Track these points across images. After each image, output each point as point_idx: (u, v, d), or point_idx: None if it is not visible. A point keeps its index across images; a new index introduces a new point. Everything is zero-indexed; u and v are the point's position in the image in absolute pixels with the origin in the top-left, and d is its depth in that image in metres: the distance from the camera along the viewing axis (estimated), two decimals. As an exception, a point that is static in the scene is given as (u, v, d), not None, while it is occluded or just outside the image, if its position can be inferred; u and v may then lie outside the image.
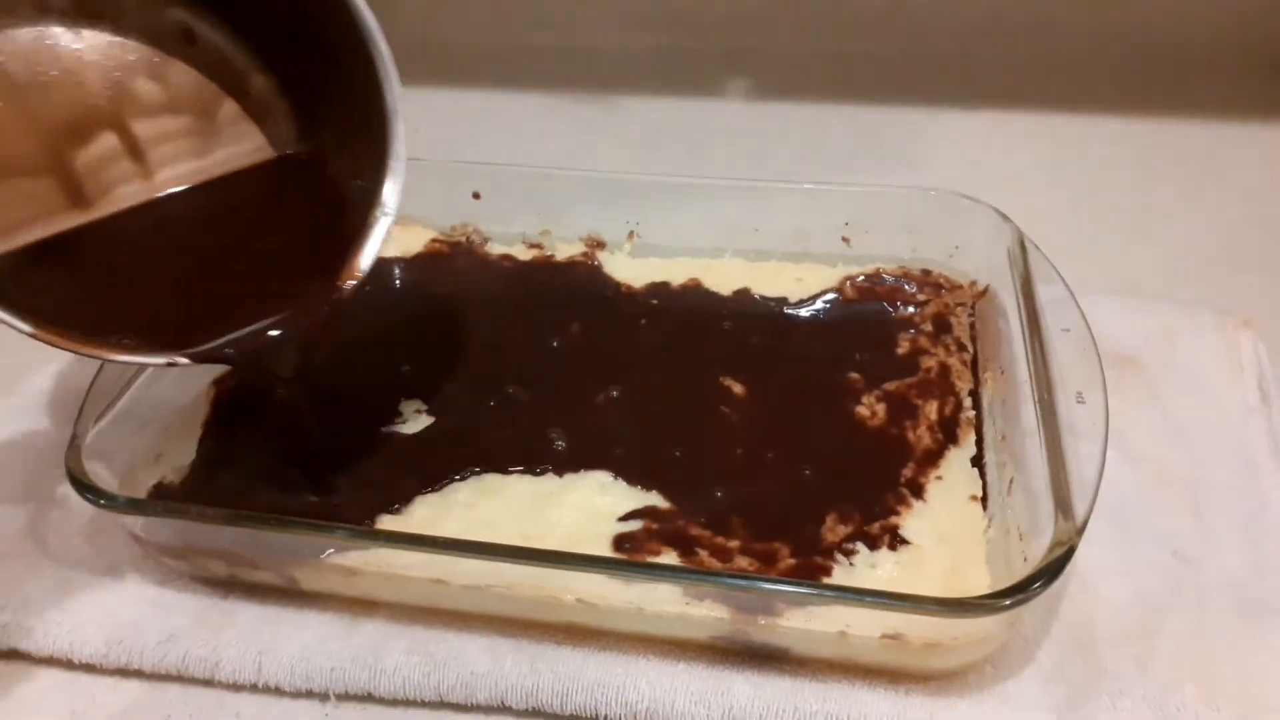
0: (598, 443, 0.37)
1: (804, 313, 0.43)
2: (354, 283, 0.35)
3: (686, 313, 0.43)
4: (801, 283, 0.44)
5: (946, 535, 0.33)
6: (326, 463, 0.37)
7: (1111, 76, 0.63)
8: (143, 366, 0.36)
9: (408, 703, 0.31)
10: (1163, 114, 0.59)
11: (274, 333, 0.34)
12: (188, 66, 0.38)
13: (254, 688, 0.32)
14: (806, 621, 0.29)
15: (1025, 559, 0.30)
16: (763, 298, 0.43)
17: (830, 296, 0.43)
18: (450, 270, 0.46)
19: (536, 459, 0.36)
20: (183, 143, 0.38)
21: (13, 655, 0.33)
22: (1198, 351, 0.41)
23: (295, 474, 0.36)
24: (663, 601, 0.30)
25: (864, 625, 0.29)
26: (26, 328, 0.31)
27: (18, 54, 0.34)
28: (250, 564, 0.33)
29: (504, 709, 0.31)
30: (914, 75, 0.64)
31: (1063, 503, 0.29)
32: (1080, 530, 0.28)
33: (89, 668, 0.32)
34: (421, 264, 0.46)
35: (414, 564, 0.31)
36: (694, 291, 0.44)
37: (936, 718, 0.29)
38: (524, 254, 0.46)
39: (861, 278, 0.43)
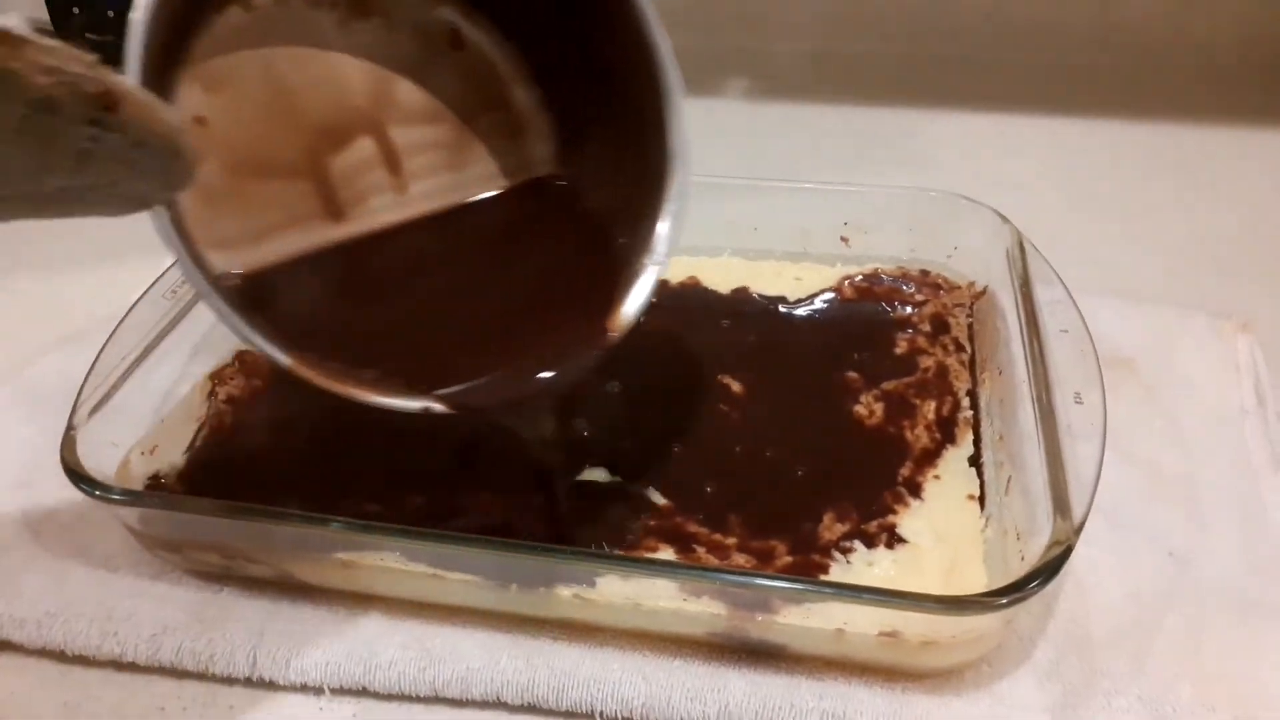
0: (596, 438, 0.37)
1: (802, 312, 0.43)
2: (618, 334, 0.32)
3: (684, 311, 0.43)
4: (800, 282, 0.44)
5: (944, 534, 0.33)
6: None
7: (1111, 79, 0.63)
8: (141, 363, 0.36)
9: (402, 697, 0.31)
10: (1162, 118, 0.60)
11: (539, 383, 0.32)
12: (452, 72, 0.35)
13: (248, 681, 0.32)
14: (803, 619, 0.29)
15: (1023, 558, 0.30)
16: (761, 296, 0.43)
17: (829, 296, 0.43)
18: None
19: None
20: (438, 154, 0.35)
21: (5, 646, 0.32)
22: (1195, 354, 0.41)
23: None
24: (659, 598, 0.30)
25: (861, 623, 0.29)
26: (286, 360, 0.29)
27: (285, 47, 0.32)
28: (246, 557, 0.33)
29: (499, 704, 0.31)
30: (914, 76, 0.64)
31: (1060, 502, 0.29)
32: (1078, 530, 0.28)
33: (82, 660, 0.32)
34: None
35: (411, 558, 0.31)
36: (692, 289, 0.44)
37: (932, 716, 0.29)
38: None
39: (860, 277, 0.44)
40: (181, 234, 0.28)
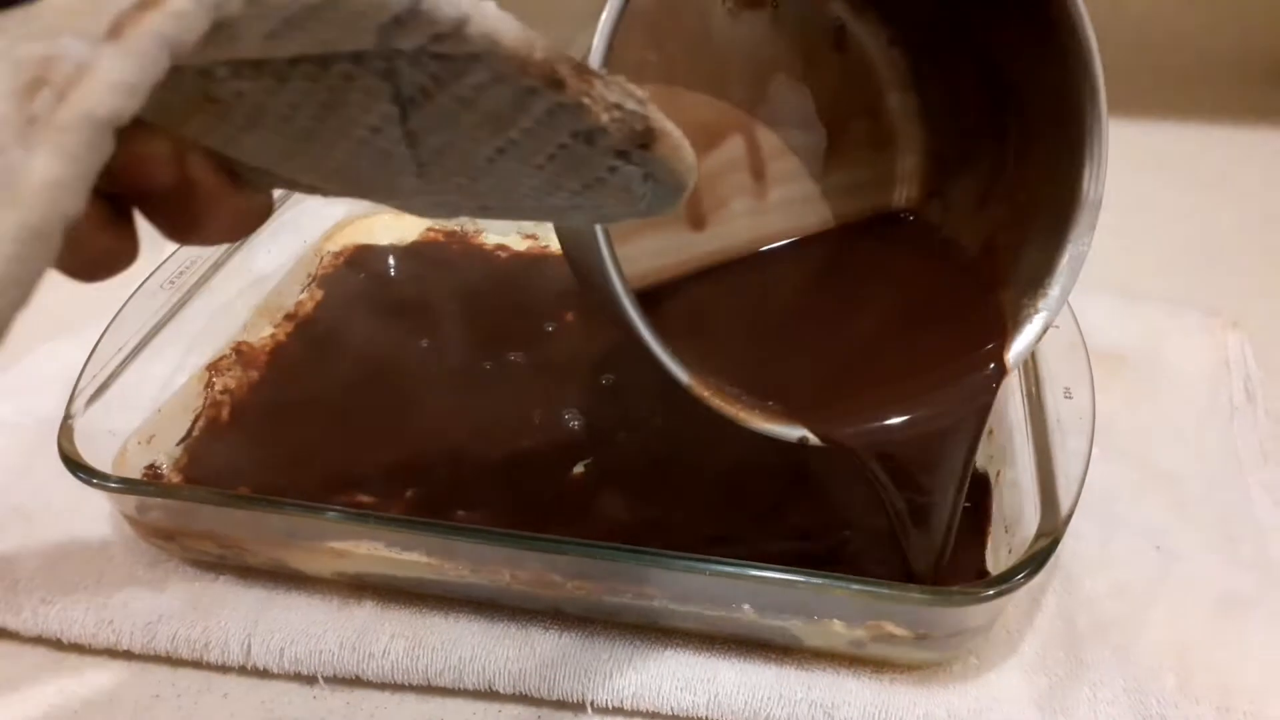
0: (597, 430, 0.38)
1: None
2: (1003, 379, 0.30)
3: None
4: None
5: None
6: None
7: (1111, 75, 0.63)
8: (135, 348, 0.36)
9: (396, 686, 0.32)
10: (1156, 116, 0.60)
11: (929, 429, 0.30)
12: (830, 74, 0.33)
13: (242, 669, 0.32)
14: (786, 610, 0.30)
15: (1010, 551, 0.31)
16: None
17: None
18: (445, 260, 0.47)
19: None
20: (802, 161, 0.34)
21: (2, 634, 0.33)
22: (1186, 351, 0.42)
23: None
24: (650, 590, 0.31)
25: (848, 614, 0.30)
26: (684, 378, 0.28)
27: (679, 29, 0.31)
28: (241, 546, 0.33)
29: (491, 693, 0.31)
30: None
31: (1048, 496, 0.30)
32: (1065, 523, 0.29)
33: (77, 647, 0.33)
34: (417, 253, 0.47)
35: (404, 548, 0.32)
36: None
37: (920, 707, 0.30)
38: (519, 244, 0.47)
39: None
40: (609, 243, 0.27)
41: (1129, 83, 0.63)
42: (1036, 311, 0.31)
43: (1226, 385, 0.40)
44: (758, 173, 0.33)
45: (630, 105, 0.19)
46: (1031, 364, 0.34)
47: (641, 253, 0.32)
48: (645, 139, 0.20)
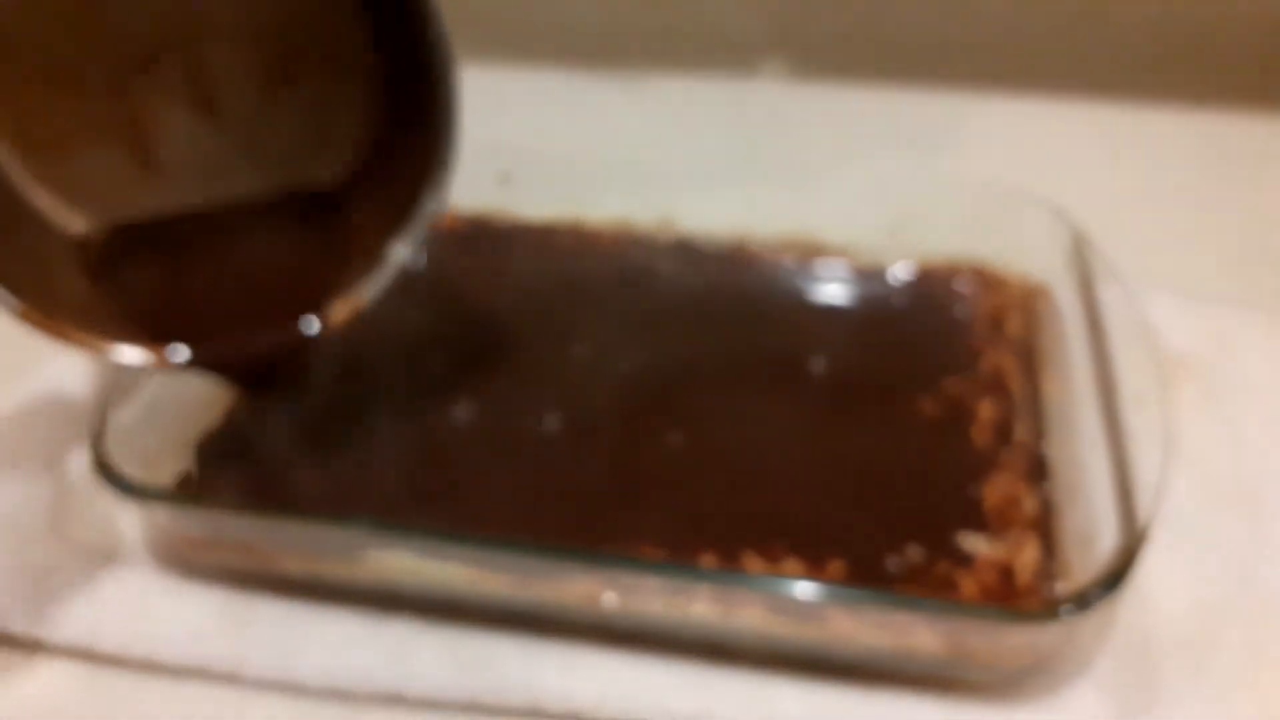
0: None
1: (848, 310, 0.44)
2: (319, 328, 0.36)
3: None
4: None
5: (1001, 541, 0.34)
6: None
7: (1173, 63, 0.64)
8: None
9: (437, 704, 0.32)
10: (1227, 105, 0.60)
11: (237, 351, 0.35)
12: None
13: (278, 685, 0.33)
14: (856, 629, 0.31)
15: (1085, 568, 0.32)
16: (807, 292, 0.45)
17: (876, 292, 0.45)
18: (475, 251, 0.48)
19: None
20: (248, 90, 0.37)
21: (36, 647, 0.34)
22: (1261, 356, 0.42)
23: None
24: (703, 605, 0.31)
25: (917, 633, 0.30)
26: (14, 302, 0.31)
27: None
28: (276, 557, 0.34)
29: (538, 713, 0.32)
30: (964, 57, 0.65)
31: (1125, 509, 0.30)
32: (1143, 537, 0.29)
33: (111, 660, 0.33)
34: (447, 243, 0.48)
35: (444, 559, 0.33)
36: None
37: (990, 728, 0.31)
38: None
39: (910, 273, 0.45)
40: None
41: (1196, 70, 0.63)
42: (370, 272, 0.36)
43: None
44: (203, 98, 0.36)
45: None
46: (1103, 370, 0.35)
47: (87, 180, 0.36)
48: None
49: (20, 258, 0.33)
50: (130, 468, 0.33)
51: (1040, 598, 0.32)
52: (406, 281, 0.37)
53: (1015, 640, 0.30)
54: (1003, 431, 0.38)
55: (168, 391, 0.37)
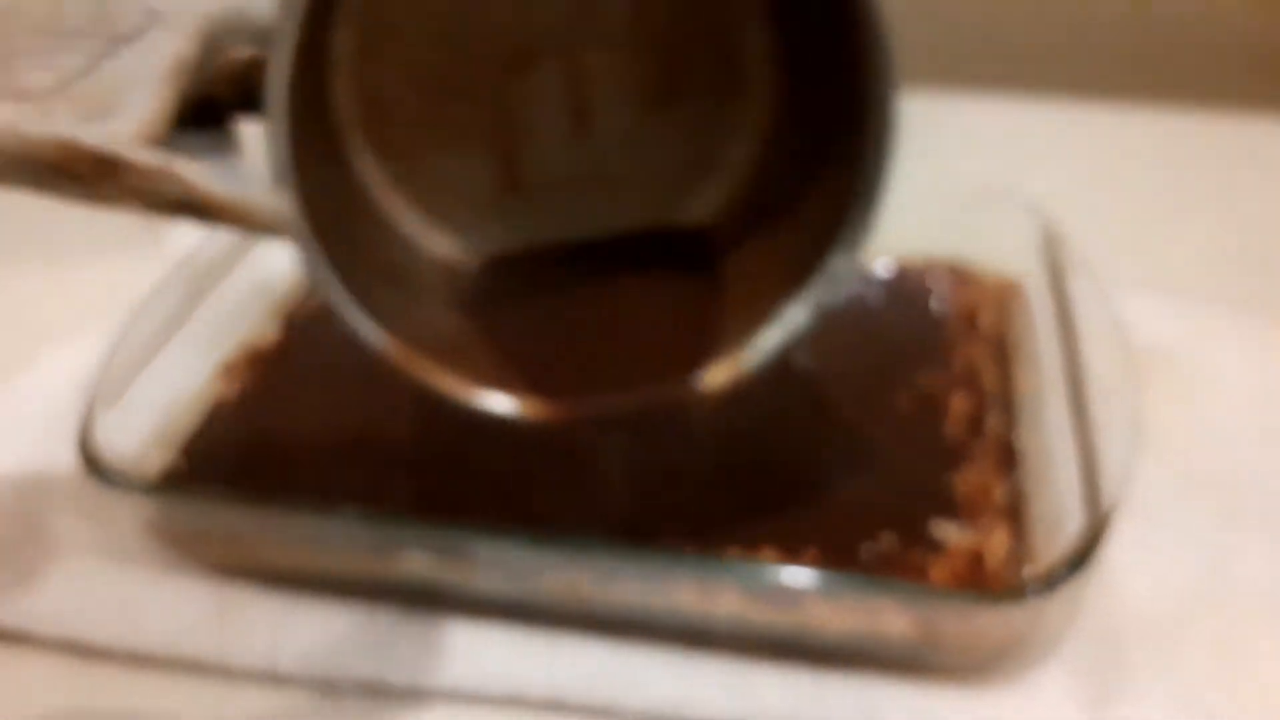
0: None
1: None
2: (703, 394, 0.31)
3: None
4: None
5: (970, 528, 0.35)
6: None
7: (1152, 64, 0.65)
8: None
9: (421, 694, 0.33)
10: (1206, 106, 0.61)
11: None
12: None
13: (267, 676, 0.33)
14: (830, 614, 0.31)
15: (1051, 552, 0.32)
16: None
17: (853, 289, 0.45)
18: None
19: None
20: (628, 105, 0.33)
21: (23, 639, 0.34)
22: (1232, 350, 0.43)
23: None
24: (684, 592, 0.32)
25: (890, 618, 0.31)
26: (380, 337, 0.29)
27: None
28: (264, 549, 0.35)
29: (519, 702, 0.32)
30: (941, 59, 0.65)
31: (1090, 494, 0.31)
32: (1107, 521, 0.30)
33: (99, 653, 0.34)
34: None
35: (431, 550, 0.33)
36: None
37: (961, 710, 0.31)
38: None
39: (886, 271, 0.46)
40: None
41: (1175, 70, 0.64)
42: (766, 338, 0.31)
43: (1276, 385, 0.41)
44: (580, 111, 0.32)
45: (168, 190, 0.22)
46: (1073, 362, 0.36)
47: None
48: (194, 211, 0.22)
49: (382, 284, 0.30)
50: (118, 462, 0.34)
51: (1009, 581, 0.33)
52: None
53: (984, 623, 0.31)
54: (975, 423, 0.39)
55: (155, 388, 0.38)
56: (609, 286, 0.34)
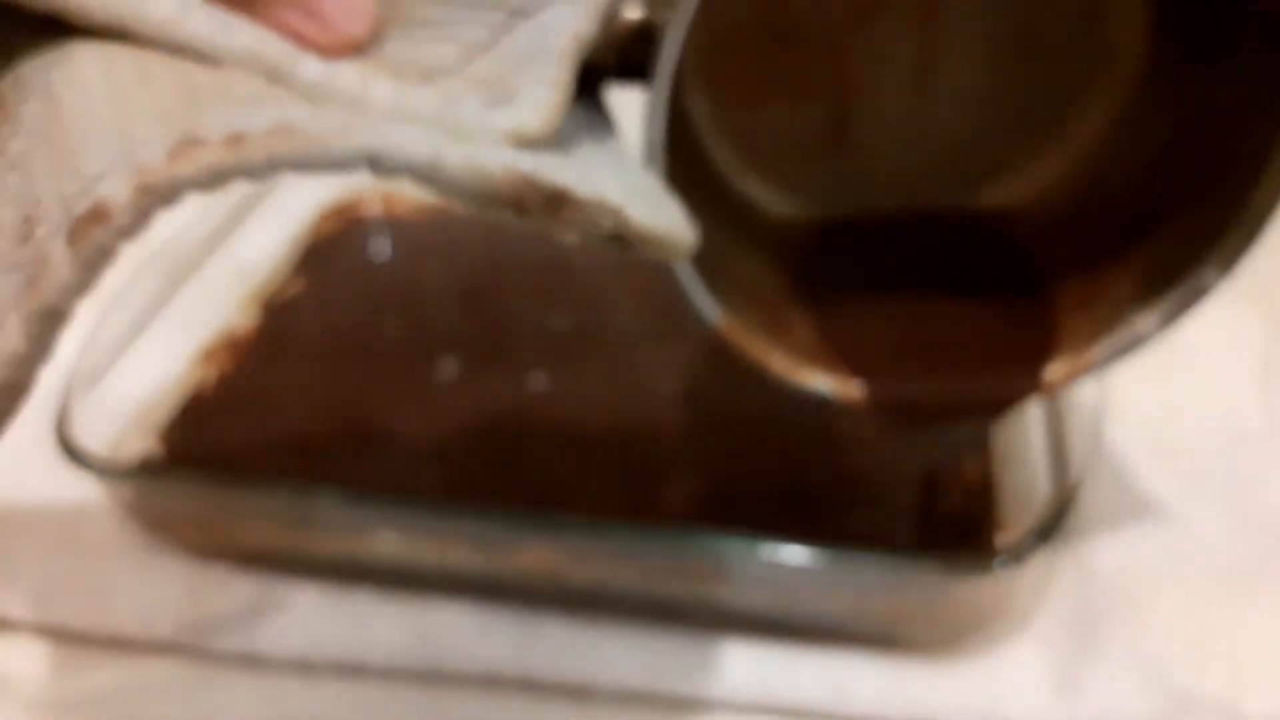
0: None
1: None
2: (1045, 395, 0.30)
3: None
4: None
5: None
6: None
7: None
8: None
9: (398, 673, 0.33)
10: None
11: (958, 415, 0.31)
12: None
13: (242, 658, 0.34)
14: (801, 588, 0.32)
15: (1022, 524, 0.33)
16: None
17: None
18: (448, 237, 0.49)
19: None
20: (971, 68, 0.30)
21: (1, 623, 0.34)
22: (1202, 328, 0.43)
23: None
24: (655, 568, 0.32)
25: (860, 590, 0.31)
26: (716, 314, 0.28)
27: None
28: (240, 532, 0.35)
29: (495, 681, 0.33)
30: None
31: (1058, 466, 0.32)
32: (1074, 493, 0.31)
33: (77, 637, 0.34)
34: (416, 229, 0.49)
35: (403, 530, 0.34)
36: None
37: (932, 683, 0.32)
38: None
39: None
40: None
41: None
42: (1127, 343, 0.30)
43: (1242, 363, 0.42)
44: (923, 66, 0.30)
45: (604, 223, 0.21)
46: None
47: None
48: (619, 242, 0.21)
49: (719, 252, 0.27)
50: (96, 448, 0.34)
51: (978, 554, 0.33)
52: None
53: (953, 594, 0.31)
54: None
55: (133, 374, 0.38)
56: (934, 271, 0.33)
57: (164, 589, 0.35)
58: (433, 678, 0.33)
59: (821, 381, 0.30)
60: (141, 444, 0.38)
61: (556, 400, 0.40)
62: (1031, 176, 0.32)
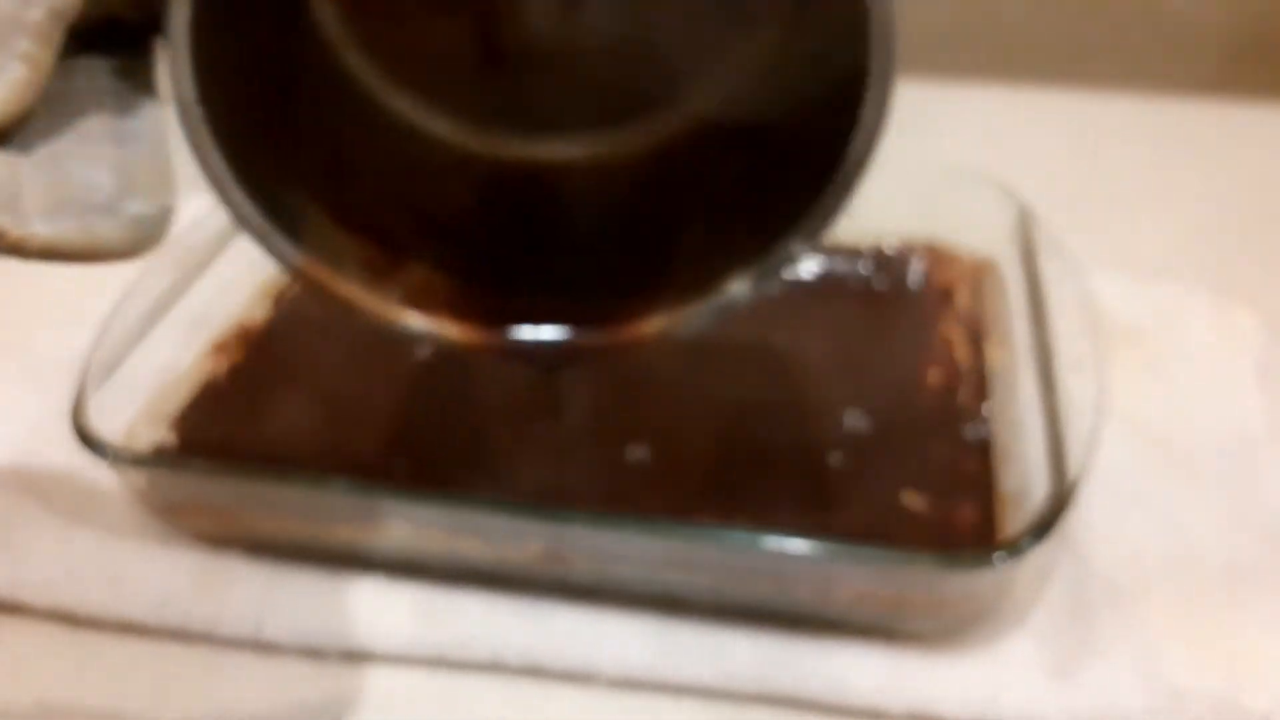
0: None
1: (804, 284, 0.46)
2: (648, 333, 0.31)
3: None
4: (802, 255, 0.46)
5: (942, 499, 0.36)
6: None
7: (1125, 53, 0.65)
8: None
9: (404, 660, 0.34)
10: (1177, 93, 0.62)
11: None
12: None
13: (254, 645, 0.34)
14: (802, 581, 0.32)
15: (1020, 522, 0.33)
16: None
17: (831, 269, 0.46)
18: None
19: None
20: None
21: (17, 609, 0.35)
22: (1200, 330, 0.44)
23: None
24: (659, 558, 0.33)
25: (860, 583, 0.32)
26: (295, 258, 0.27)
27: None
28: (251, 520, 0.35)
29: (501, 667, 0.33)
30: (919, 46, 0.66)
31: (1056, 464, 0.32)
32: (1073, 489, 0.31)
33: (90, 622, 0.34)
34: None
35: (414, 521, 0.34)
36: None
37: (931, 675, 0.32)
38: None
39: (863, 251, 0.46)
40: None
41: (1147, 59, 0.65)
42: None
43: (1240, 363, 0.42)
44: None
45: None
46: (1042, 337, 0.36)
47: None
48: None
49: (320, 179, 0.28)
50: (110, 437, 0.35)
51: (977, 549, 0.33)
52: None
53: (953, 588, 0.31)
54: (948, 398, 0.39)
55: (146, 366, 0.38)
56: (558, 217, 0.34)
57: (176, 575, 0.35)
58: (439, 664, 0.33)
59: (422, 322, 0.30)
60: (154, 433, 0.39)
61: (564, 390, 0.40)
62: (651, 130, 0.33)
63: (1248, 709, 0.31)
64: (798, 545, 0.31)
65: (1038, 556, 0.31)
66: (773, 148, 0.31)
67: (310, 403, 0.41)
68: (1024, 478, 0.34)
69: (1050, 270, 0.39)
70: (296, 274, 0.28)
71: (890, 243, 0.46)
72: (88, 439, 0.34)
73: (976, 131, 0.60)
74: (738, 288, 0.30)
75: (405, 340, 0.42)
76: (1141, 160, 0.58)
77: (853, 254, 0.46)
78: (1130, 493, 0.37)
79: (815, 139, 0.28)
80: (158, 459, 0.37)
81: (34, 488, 0.38)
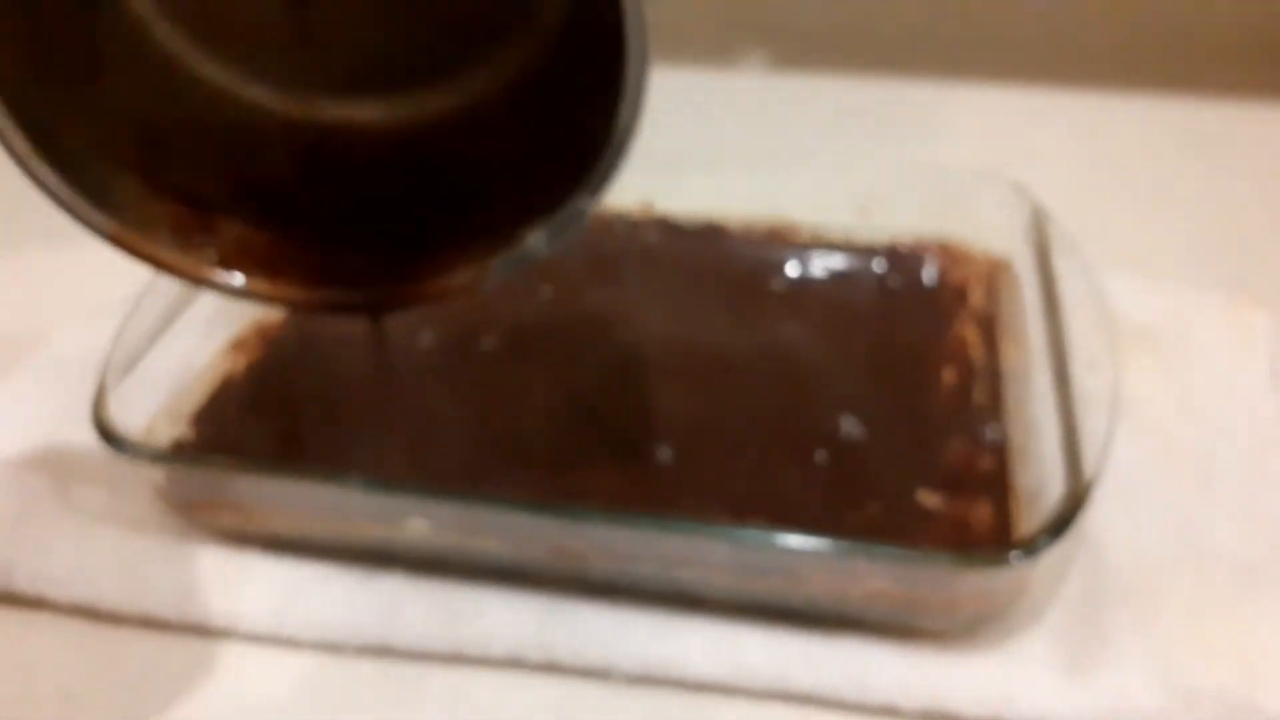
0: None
1: (819, 283, 0.46)
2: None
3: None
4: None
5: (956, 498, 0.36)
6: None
7: (1139, 53, 0.65)
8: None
9: (424, 656, 0.34)
10: (1193, 93, 0.62)
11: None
12: None
13: (273, 639, 0.34)
14: (818, 579, 0.32)
15: (1035, 521, 0.33)
16: (780, 269, 0.46)
17: (846, 268, 0.46)
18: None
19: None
20: None
21: (39, 604, 0.35)
22: (1213, 330, 0.44)
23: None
24: (677, 556, 0.33)
25: (875, 582, 0.32)
26: (104, 225, 0.29)
27: None
28: (270, 517, 0.35)
29: (520, 664, 0.33)
30: (936, 48, 0.66)
31: (1072, 462, 0.32)
32: (1088, 489, 0.31)
33: (111, 617, 0.35)
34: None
35: (434, 520, 0.34)
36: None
37: (948, 673, 0.32)
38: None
39: (878, 250, 0.46)
40: None
41: (1161, 59, 0.65)
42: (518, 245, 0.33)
43: (1254, 365, 0.42)
44: None
45: None
46: (1057, 336, 0.36)
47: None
48: None
49: (135, 138, 0.30)
50: (130, 433, 0.35)
51: (992, 548, 0.33)
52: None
53: (968, 587, 0.31)
54: (962, 396, 0.39)
55: (166, 363, 0.39)
56: (360, 171, 0.35)
57: (196, 571, 0.36)
58: (458, 661, 0.34)
59: (239, 281, 0.32)
60: (174, 430, 0.39)
61: (581, 392, 0.41)
62: (448, 93, 0.35)
63: (1262, 708, 0.31)
64: (814, 544, 0.31)
65: (1053, 555, 0.31)
66: (560, 112, 0.33)
67: (327, 400, 0.41)
68: (1039, 476, 0.34)
69: (1064, 269, 0.39)
70: (108, 240, 0.30)
71: (905, 242, 0.47)
72: (108, 435, 0.34)
73: (991, 131, 0.60)
74: (534, 241, 0.32)
75: (421, 340, 0.43)
76: (1156, 160, 0.58)
77: (868, 253, 0.46)
78: (1145, 492, 0.37)
79: (593, 105, 0.30)
80: (177, 455, 0.37)
81: (55, 484, 0.38)
